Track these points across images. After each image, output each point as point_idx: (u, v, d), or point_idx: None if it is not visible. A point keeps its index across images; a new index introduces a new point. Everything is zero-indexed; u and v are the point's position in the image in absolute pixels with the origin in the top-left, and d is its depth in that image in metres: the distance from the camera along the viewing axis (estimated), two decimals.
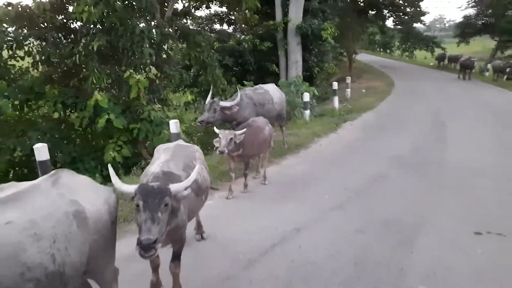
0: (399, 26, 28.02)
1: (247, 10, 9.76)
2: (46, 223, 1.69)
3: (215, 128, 4.51)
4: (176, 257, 2.70)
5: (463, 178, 5.37)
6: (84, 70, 6.84)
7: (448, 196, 4.82)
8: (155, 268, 2.79)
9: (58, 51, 6.81)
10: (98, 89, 6.77)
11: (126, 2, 6.64)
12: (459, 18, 33.45)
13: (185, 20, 10.60)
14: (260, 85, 6.43)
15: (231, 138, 4.16)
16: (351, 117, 10.01)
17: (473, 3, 24.04)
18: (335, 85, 11.15)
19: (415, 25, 29.21)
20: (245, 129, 4.36)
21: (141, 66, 6.94)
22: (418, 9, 24.54)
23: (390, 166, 5.97)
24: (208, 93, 5.86)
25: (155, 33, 7.25)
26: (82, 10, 6.03)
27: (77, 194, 1.92)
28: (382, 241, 3.71)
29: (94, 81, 6.46)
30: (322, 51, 14.53)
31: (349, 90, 13.22)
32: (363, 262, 3.32)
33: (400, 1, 23.46)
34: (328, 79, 17.07)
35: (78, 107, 6.82)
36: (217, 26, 16.82)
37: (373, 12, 24.62)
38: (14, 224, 1.58)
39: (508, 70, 16.57)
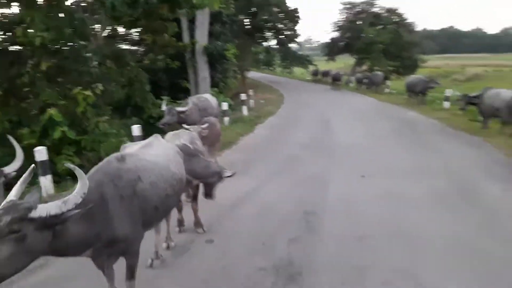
0: (278, 46, 32.69)
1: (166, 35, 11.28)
2: (171, 154, 3.21)
3: (184, 125, 6.09)
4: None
5: (346, 150, 8.12)
6: (30, 89, 7.45)
7: (340, 159, 7.44)
8: None
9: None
10: (47, 105, 7.46)
11: (74, 28, 7.56)
12: (323, 39, 40.35)
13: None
14: (201, 94, 8.16)
15: (199, 132, 5.80)
16: (259, 121, 12.43)
17: (337, 28, 30.03)
18: (243, 96, 13.49)
19: (291, 45, 34.59)
20: (207, 124, 6.06)
21: (88, 84, 7.89)
22: (294, 32, 29.31)
23: (299, 149, 8.37)
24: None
25: (95, 55, 8.26)
26: (35, 35, 6.82)
27: (173, 144, 3.45)
28: (305, 186, 5.89)
29: (44, 98, 7.21)
30: (225, 68, 16.86)
31: (252, 101, 15.77)
32: (297, 199, 5.42)
33: (280, 25, 27.79)
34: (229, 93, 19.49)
35: (24, 123, 7.37)
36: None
37: (258, 35, 28.46)
38: (160, 155, 3.08)
39: (365, 81, 21.79)
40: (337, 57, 32.33)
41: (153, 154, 3.04)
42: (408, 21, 28.87)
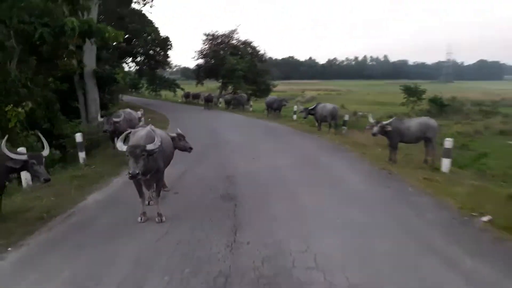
0: (139, 69, 34.40)
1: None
2: (164, 138, 5.84)
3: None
4: (158, 192, 5.53)
5: (236, 145, 11.57)
6: None
7: (234, 151, 10.79)
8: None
9: None
10: None
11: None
12: (183, 64, 44.09)
13: None
14: (127, 109, 10.25)
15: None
16: None
17: (201, 56, 34.09)
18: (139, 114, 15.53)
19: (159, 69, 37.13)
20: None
21: (18, 102, 9.08)
22: (165, 58, 31.99)
23: (205, 147, 11.33)
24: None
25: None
26: None
27: (163, 132, 6.02)
28: (219, 166, 8.95)
29: None
30: (113, 91, 18.37)
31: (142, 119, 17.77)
32: (218, 171, 8.45)
33: (151, 52, 30.07)
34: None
35: None
36: None
37: (130, 58, 30.00)
38: (163, 134, 5.69)
39: (233, 102, 26.24)
40: (205, 81, 36.43)
41: (160, 133, 5.69)
42: (260, 52, 35.28)
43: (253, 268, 4.10)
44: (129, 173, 4.59)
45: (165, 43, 28.39)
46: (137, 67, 32.93)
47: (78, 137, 8.58)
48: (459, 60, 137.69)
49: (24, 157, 5.26)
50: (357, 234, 5.01)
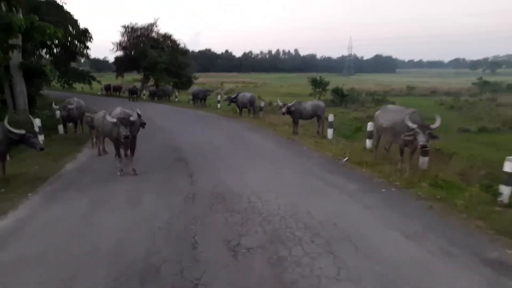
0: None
1: None
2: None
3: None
4: (132, 153, 8.68)
5: (173, 129, 13.81)
6: None
7: (172, 132, 13.08)
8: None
9: None
10: None
11: None
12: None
13: None
14: (74, 98, 11.74)
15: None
16: None
17: (120, 48, 34.43)
18: None
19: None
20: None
21: None
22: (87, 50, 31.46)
23: (150, 130, 13.36)
24: None
25: None
26: None
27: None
28: (172, 140, 11.26)
29: None
30: (39, 83, 18.75)
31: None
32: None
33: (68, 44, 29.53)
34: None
35: None
36: None
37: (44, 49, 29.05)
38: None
39: (159, 93, 27.80)
40: (126, 74, 36.77)
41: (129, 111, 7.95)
42: (180, 45, 36.91)
43: (208, 190, 6.77)
44: (123, 135, 6.86)
45: (85, 35, 28.31)
46: (51, 59, 31.87)
47: (37, 122, 10.01)
48: (359, 55, 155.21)
49: (23, 131, 7.07)
50: (271, 171, 8.02)
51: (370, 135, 10.04)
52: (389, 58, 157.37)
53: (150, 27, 34.58)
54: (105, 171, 8.04)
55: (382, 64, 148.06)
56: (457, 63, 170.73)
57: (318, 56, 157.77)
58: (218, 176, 7.64)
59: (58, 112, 10.45)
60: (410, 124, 6.70)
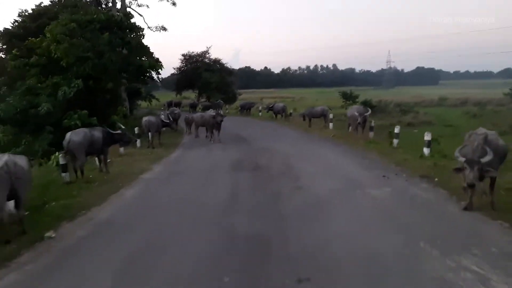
0: None
1: None
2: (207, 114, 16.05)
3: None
4: (218, 133, 16.66)
5: (230, 127, 21.73)
6: None
7: (229, 128, 20.98)
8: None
9: None
10: None
11: None
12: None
13: None
14: (171, 107, 19.96)
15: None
16: None
17: (180, 72, 43.77)
18: None
19: None
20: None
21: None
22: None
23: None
24: None
25: None
26: None
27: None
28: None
29: None
30: (134, 100, 27.69)
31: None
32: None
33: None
34: None
35: None
36: None
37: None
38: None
39: (212, 106, 36.23)
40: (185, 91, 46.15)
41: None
42: (227, 67, 45.64)
43: (257, 148, 14.33)
44: (220, 120, 14.76)
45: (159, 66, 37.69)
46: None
47: (136, 129, 18.23)
48: (399, 67, 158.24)
49: (124, 131, 15.07)
50: (291, 144, 15.41)
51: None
52: (431, 70, 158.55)
53: (204, 54, 43.75)
54: (203, 142, 15.92)
55: (424, 76, 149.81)
56: (508, 73, 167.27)
57: (357, 70, 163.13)
58: (261, 144, 15.21)
59: (163, 116, 18.49)
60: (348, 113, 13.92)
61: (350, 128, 16.26)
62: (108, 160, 10.73)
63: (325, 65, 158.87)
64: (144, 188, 8.85)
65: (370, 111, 14.75)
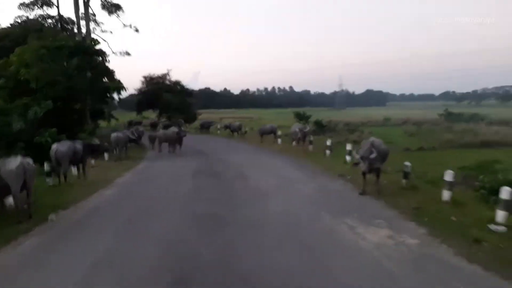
0: None
1: None
2: (170, 131, 18.19)
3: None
4: (180, 147, 18.82)
5: (193, 146, 23.87)
6: None
7: (194, 147, 23.16)
8: None
9: None
10: None
11: None
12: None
13: None
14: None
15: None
16: None
17: (141, 93, 45.24)
18: None
19: None
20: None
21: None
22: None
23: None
24: None
25: None
26: None
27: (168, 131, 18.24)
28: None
29: None
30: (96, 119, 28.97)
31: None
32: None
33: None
34: None
35: None
36: None
37: None
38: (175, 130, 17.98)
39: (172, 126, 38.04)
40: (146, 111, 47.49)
41: (171, 129, 18.01)
42: (188, 89, 47.79)
43: (215, 159, 16.61)
44: (182, 135, 16.87)
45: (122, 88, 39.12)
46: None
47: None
48: (351, 90, 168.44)
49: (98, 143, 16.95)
50: (244, 156, 17.84)
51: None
52: (379, 92, 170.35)
53: (164, 76, 45.65)
54: (166, 156, 17.91)
55: (373, 98, 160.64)
56: (447, 96, 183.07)
57: (312, 92, 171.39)
58: (218, 156, 17.49)
59: (128, 133, 20.26)
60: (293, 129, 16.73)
61: (294, 142, 19.05)
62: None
63: (282, 87, 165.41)
64: (120, 189, 10.80)
65: (308, 128, 17.64)
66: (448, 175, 8.27)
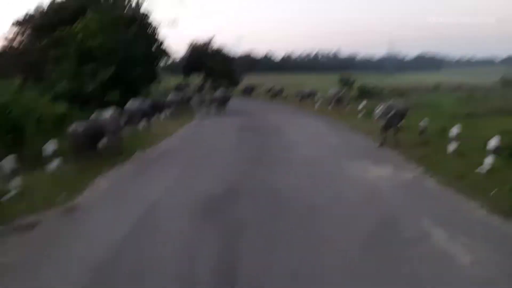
0: None
1: None
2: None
3: None
4: (224, 109, 21.32)
5: (238, 106, 26.34)
6: None
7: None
8: None
9: None
10: None
11: None
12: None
13: None
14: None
15: None
16: None
17: (186, 59, 48.03)
18: None
19: None
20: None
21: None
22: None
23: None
24: None
25: None
26: None
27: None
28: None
29: None
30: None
31: None
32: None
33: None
34: None
35: None
36: None
37: None
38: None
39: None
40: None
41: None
42: (230, 54, 49.95)
43: (256, 117, 18.94)
44: (230, 97, 19.28)
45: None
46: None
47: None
48: (402, 54, 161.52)
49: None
50: (281, 115, 19.98)
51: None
52: (433, 57, 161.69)
53: (207, 44, 47.96)
54: (213, 115, 20.49)
55: (427, 62, 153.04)
56: (510, 61, 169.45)
57: (360, 56, 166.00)
58: (259, 116, 19.79)
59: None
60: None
61: (330, 105, 20.86)
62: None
63: (326, 52, 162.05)
64: (180, 138, 13.64)
65: (343, 91, 19.24)
66: (455, 129, 9.95)
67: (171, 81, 51.79)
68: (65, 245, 5.01)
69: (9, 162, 7.39)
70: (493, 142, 8.24)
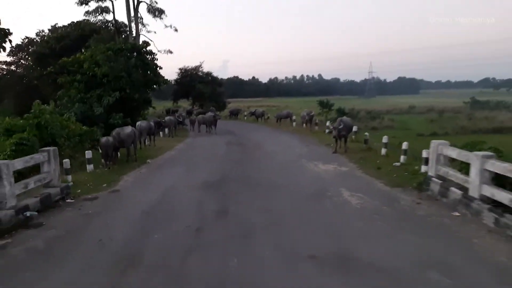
0: None
1: None
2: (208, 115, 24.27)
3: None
4: (215, 128, 25.02)
5: (223, 128, 30.02)
6: None
7: (225, 127, 29.31)
8: None
9: None
10: None
11: None
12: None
13: None
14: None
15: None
16: None
17: (176, 84, 51.97)
18: None
19: None
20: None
21: None
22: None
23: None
24: None
25: None
26: None
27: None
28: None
29: None
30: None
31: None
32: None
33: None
34: None
35: None
36: None
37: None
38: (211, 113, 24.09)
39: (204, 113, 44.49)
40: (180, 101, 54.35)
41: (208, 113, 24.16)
42: (217, 78, 54.10)
43: (241, 136, 22.60)
44: (218, 118, 22.96)
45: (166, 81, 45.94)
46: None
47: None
48: (382, 77, 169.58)
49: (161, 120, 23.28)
50: (263, 134, 23.72)
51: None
52: (412, 80, 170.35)
53: (197, 68, 52.11)
54: (204, 134, 24.08)
55: (406, 85, 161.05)
56: (487, 83, 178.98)
57: (342, 79, 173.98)
58: (244, 135, 23.43)
59: (177, 117, 26.58)
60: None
61: (304, 124, 24.73)
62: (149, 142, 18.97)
63: (311, 75, 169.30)
64: (179, 151, 17.15)
65: (313, 112, 23.20)
66: (384, 139, 13.80)
67: (160, 105, 55.64)
68: (120, 205, 8.46)
69: (66, 163, 10.87)
70: (424, 153, 12.08)
